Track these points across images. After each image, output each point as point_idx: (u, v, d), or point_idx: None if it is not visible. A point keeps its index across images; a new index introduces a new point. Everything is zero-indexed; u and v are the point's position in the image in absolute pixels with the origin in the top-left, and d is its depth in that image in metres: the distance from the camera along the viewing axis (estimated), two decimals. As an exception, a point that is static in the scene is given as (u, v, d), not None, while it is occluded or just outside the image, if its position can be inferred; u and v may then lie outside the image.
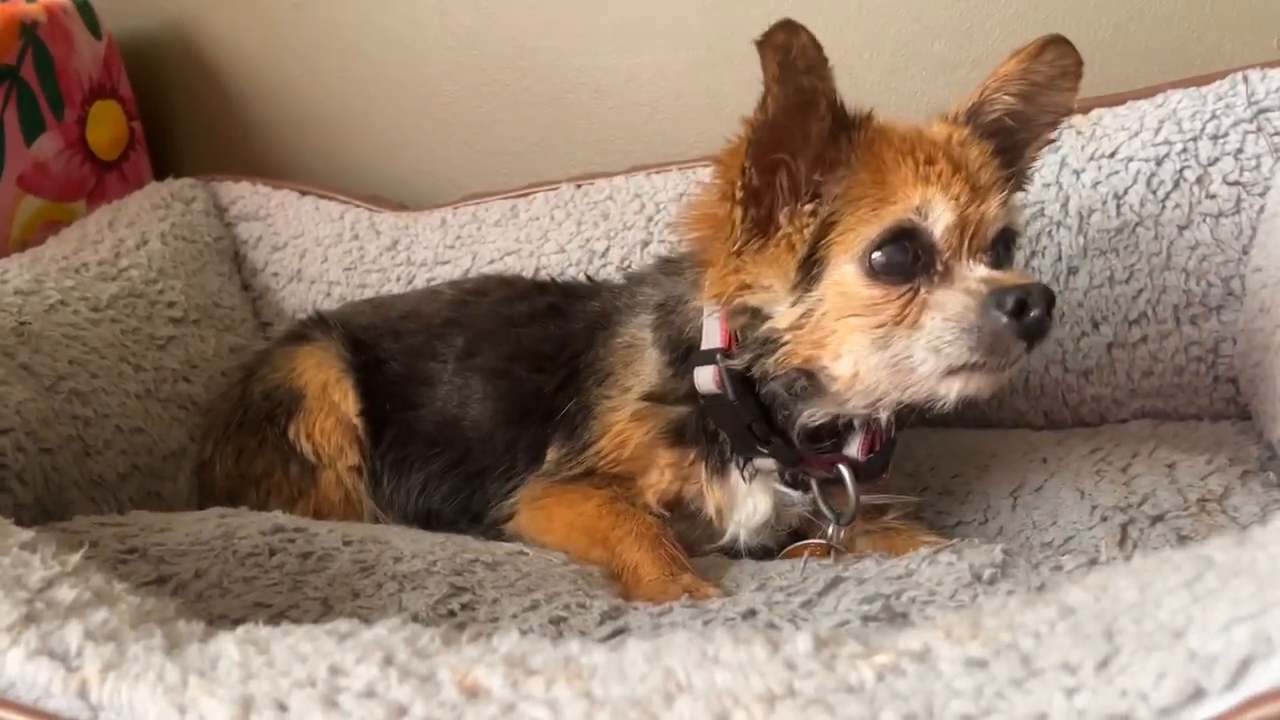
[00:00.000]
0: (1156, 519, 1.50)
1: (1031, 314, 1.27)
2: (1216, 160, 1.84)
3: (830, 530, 1.48)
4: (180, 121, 2.82)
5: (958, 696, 0.71)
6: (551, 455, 1.60)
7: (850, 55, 2.28)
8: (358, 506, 1.71)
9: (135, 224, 2.20)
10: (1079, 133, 1.94)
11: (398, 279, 2.32)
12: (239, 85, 2.74)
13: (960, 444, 1.89)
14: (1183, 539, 1.46)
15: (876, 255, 1.33)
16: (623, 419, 1.53)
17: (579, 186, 2.27)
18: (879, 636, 0.79)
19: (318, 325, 1.88)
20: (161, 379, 1.94)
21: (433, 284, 2.25)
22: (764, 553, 1.54)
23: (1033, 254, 1.92)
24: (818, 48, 1.28)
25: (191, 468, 1.89)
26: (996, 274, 1.33)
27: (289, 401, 1.76)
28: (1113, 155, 1.90)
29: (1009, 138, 1.49)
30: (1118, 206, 1.88)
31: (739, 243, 1.39)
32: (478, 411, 1.72)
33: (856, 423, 1.47)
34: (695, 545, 1.53)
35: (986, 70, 2.15)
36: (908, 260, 1.33)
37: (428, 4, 2.54)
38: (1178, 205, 1.85)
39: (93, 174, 2.49)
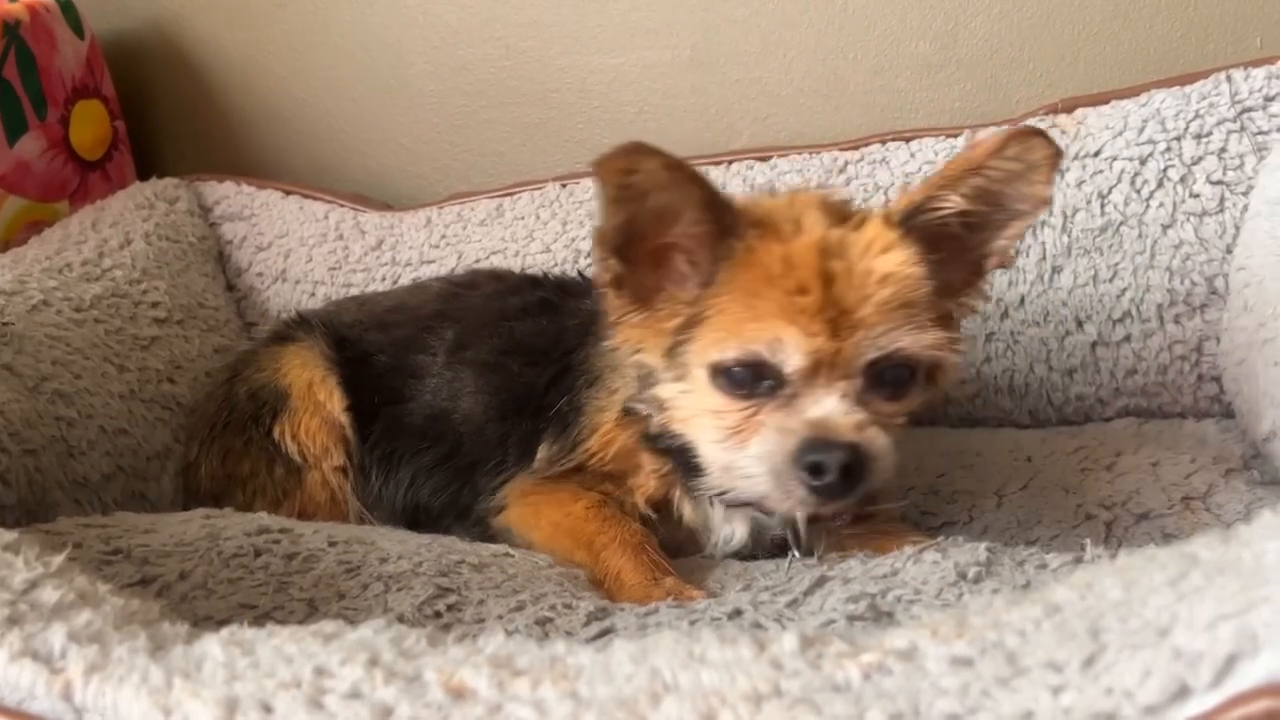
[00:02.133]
0: (1141, 517, 1.51)
1: (825, 479, 1.27)
2: (1200, 159, 1.85)
3: (788, 561, 1.46)
4: (164, 121, 2.80)
5: (943, 695, 0.71)
6: (543, 453, 1.59)
7: (835, 55, 2.29)
8: (343, 507, 1.71)
9: (119, 224, 2.19)
10: (1063, 132, 1.95)
11: (383, 279, 2.31)
12: (223, 85, 2.73)
13: (945, 443, 1.89)
14: (1167, 537, 1.47)
15: (723, 372, 1.34)
16: (609, 421, 1.53)
17: (564, 186, 2.27)
18: (865, 636, 0.79)
19: (301, 324, 1.87)
20: (145, 380, 1.93)
21: (418, 280, 2.26)
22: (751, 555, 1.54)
23: (1016, 253, 1.92)
24: (672, 168, 1.28)
25: (176, 468, 1.88)
26: (824, 418, 1.30)
27: (274, 401, 1.75)
28: (1097, 154, 1.90)
29: (975, 227, 1.41)
30: (1102, 205, 1.89)
31: (618, 311, 1.42)
32: (469, 405, 1.71)
33: None
34: (681, 550, 1.53)
35: (972, 70, 2.17)
36: (751, 380, 1.33)
37: (412, 3, 2.53)
38: (1161, 204, 1.86)
39: (76, 174, 2.48)
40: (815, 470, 1.27)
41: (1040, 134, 1.30)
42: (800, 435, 1.29)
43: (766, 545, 1.53)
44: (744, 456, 1.34)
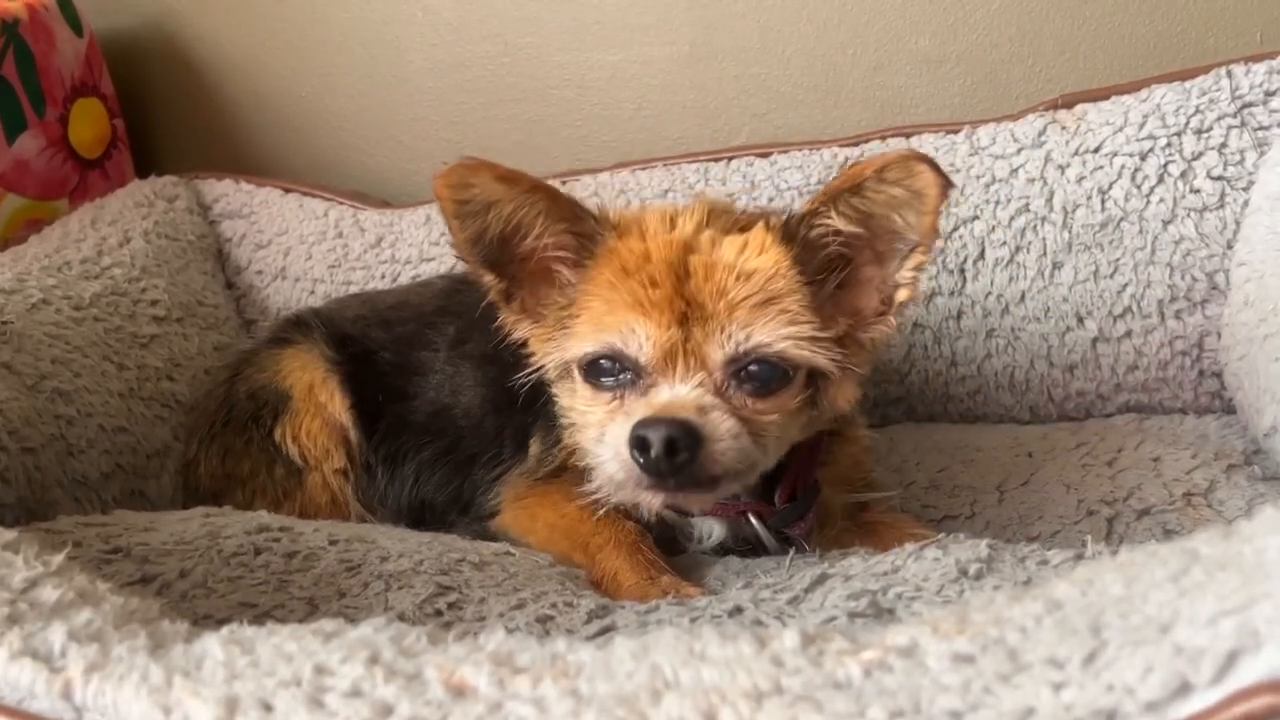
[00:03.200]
0: (1142, 513, 1.51)
1: (650, 454, 1.25)
2: (1200, 155, 1.85)
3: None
4: (163, 119, 2.80)
5: (945, 692, 0.71)
6: (534, 448, 1.60)
7: (835, 51, 2.29)
8: (344, 509, 1.71)
9: (118, 222, 2.19)
10: (1064, 128, 1.94)
11: (382, 276, 2.31)
12: (221, 83, 2.73)
13: (946, 438, 1.89)
14: (1168, 533, 1.46)
15: (589, 367, 1.37)
16: None
17: (564, 183, 2.27)
18: (866, 632, 0.79)
19: (300, 325, 1.86)
20: (145, 378, 1.93)
21: (417, 277, 2.26)
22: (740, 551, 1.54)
23: (1018, 249, 1.93)
24: (506, 179, 1.30)
25: (175, 466, 1.88)
26: (666, 401, 1.30)
27: (275, 402, 1.75)
28: (1097, 150, 1.90)
29: (881, 257, 1.37)
30: (1102, 201, 1.89)
31: (513, 324, 1.46)
32: (469, 399, 1.72)
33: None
34: (673, 544, 1.52)
35: (971, 66, 2.17)
36: (614, 372, 1.35)
37: (411, 1, 2.53)
38: (1162, 200, 1.86)
39: (75, 172, 2.48)
40: (641, 446, 1.26)
41: (927, 161, 1.26)
42: (640, 415, 1.29)
43: (748, 541, 1.52)
44: (605, 446, 1.34)
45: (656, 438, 1.25)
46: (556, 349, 1.41)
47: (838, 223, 1.33)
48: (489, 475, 1.65)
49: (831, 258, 1.37)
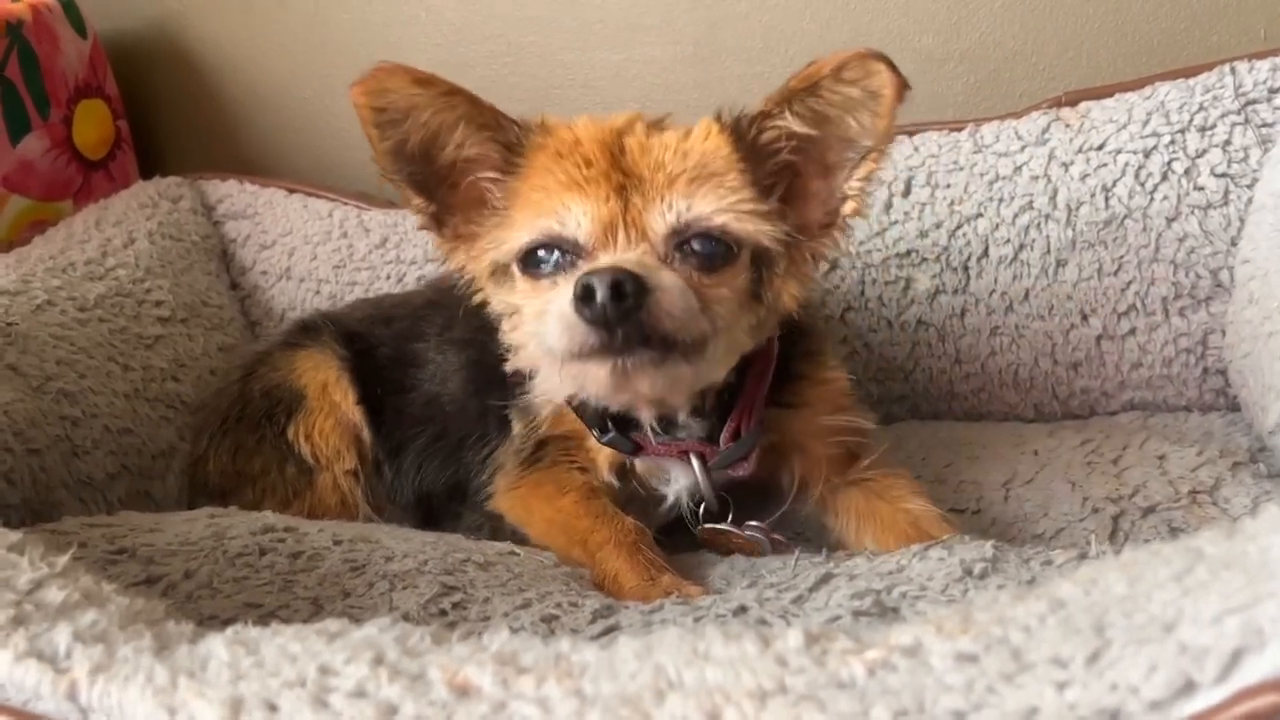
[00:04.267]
0: (1148, 511, 1.51)
1: (596, 301, 1.20)
2: (1204, 152, 1.84)
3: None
4: (166, 120, 2.81)
5: (948, 691, 0.71)
6: (516, 426, 1.59)
7: (837, 49, 2.27)
8: (353, 511, 1.71)
9: (122, 223, 2.20)
10: (1067, 125, 1.94)
11: (388, 276, 2.31)
12: (225, 83, 2.73)
13: (951, 436, 1.89)
14: (1174, 531, 1.46)
15: (525, 258, 1.35)
16: None
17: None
18: (870, 632, 0.79)
19: (312, 329, 1.87)
20: (150, 378, 1.94)
21: (422, 277, 2.26)
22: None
23: (1021, 246, 1.92)
24: (423, 82, 1.29)
25: (181, 467, 1.88)
26: (608, 261, 1.26)
27: (289, 401, 1.75)
28: (1100, 148, 1.90)
29: (831, 168, 1.37)
30: (1106, 199, 1.88)
31: (445, 251, 1.45)
32: (455, 384, 1.73)
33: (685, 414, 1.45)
34: (653, 511, 1.53)
35: (974, 64, 2.17)
36: (551, 259, 1.33)
37: (413, 1, 2.53)
38: (1166, 197, 1.85)
39: (79, 173, 2.48)
40: (586, 295, 1.21)
41: (883, 59, 1.25)
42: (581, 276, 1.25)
43: (721, 487, 1.51)
44: (541, 325, 1.32)
45: (601, 283, 1.20)
46: (493, 256, 1.39)
47: (792, 124, 1.32)
48: (478, 456, 1.65)
49: (778, 168, 1.35)
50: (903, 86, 1.26)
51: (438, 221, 1.42)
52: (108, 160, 2.56)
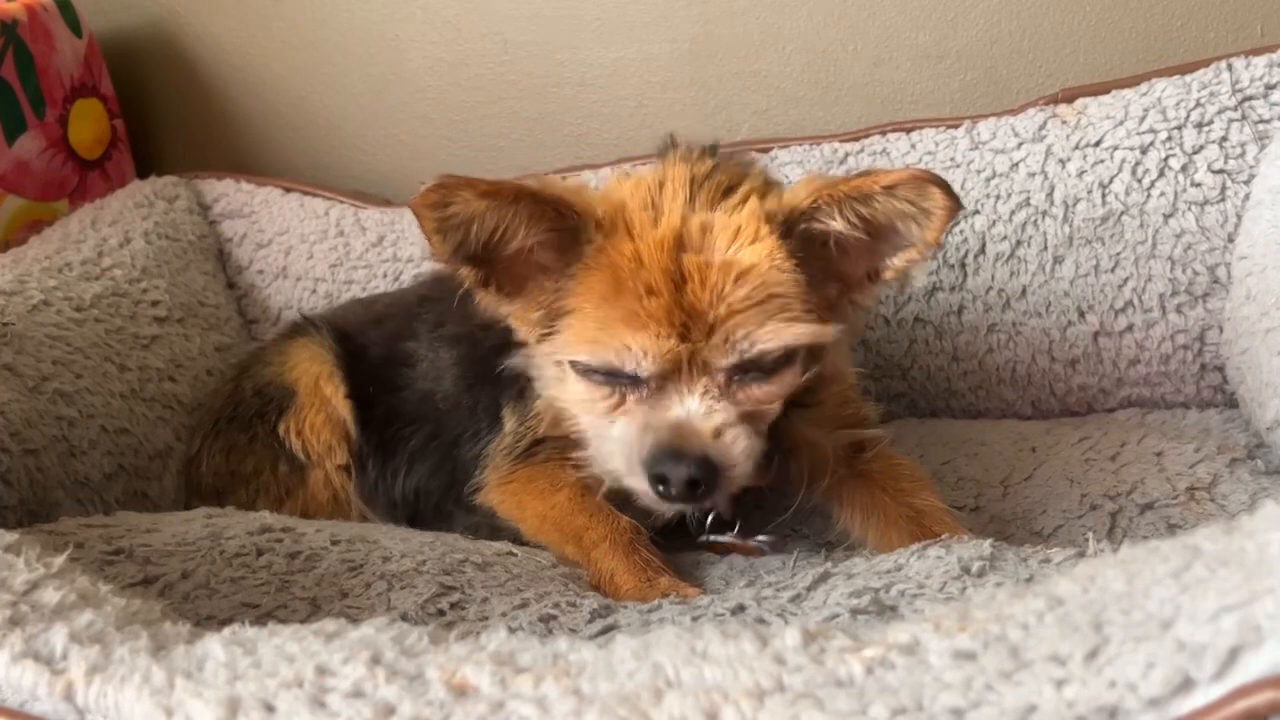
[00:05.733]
0: (1146, 507, 1.51)
1: (671, 491, 1.28)
2: (1201, 148, 1.84)
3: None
4: (162, 119, 2.80)
5: (947, 689, 0.71)
6: (509, 422, 1.59)
7: (835, 47, 2.28)
8: (345, 506, 1.71)
9: (118, 223, 2.19)
10: (1064, 122, 1.94)
11: (384, 275, 2.31)
12: (221, 82, 2.72)
13: (949, 433, 1.89)
14: (1172, 527, 1.46)
15: (584, 372, 1.36)
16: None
17: (565, 179, 2.26)
18: (868, 630, 0.79)
19: (308, 324, 1.88)
20: (146, 378, 1.93)
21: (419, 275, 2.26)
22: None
23: (1018, 243, 1.92)
24: (488, 194, 1.29)
25: (178, 467, 1.88)
26: (679, 422, 1.29)
27: (280, 397, 1.76)
28: (1098, 144, 1.90)
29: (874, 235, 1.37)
30: (1103, 195, 1.88)
31: (490, 306, 1.44)
32: (447, 380, 1.72)
33: None
34: (654, 514, 1.52)
35: (971, 61, 2.17)
36: (614, 378, 1.34)
37: (410, -1, 2.53)
38: (1163, 194, 1.85)
39: (75, 173, 2.48)
40: (661, 481, 1.28)
41: (942, 185, 1.26)
42: (653, 436, 1.30)
43: (729, 500, 1.51)
44: (608, 443, 1.36)
45: (677, 478, 1.27)
46: (545, 338, 1.39)
47: (838, 225, 1.32)
48: (471, 453, 1.65)
49: (828, 243, 1.36)
50: (956, 209, 1.27)
51: (484, 282, 1.41)
52: (104, 160, 2.56)
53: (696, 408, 1.30)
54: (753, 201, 1.34)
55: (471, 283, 1.40)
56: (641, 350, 1.29)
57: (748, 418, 1.33)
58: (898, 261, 1.36)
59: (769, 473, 1.47)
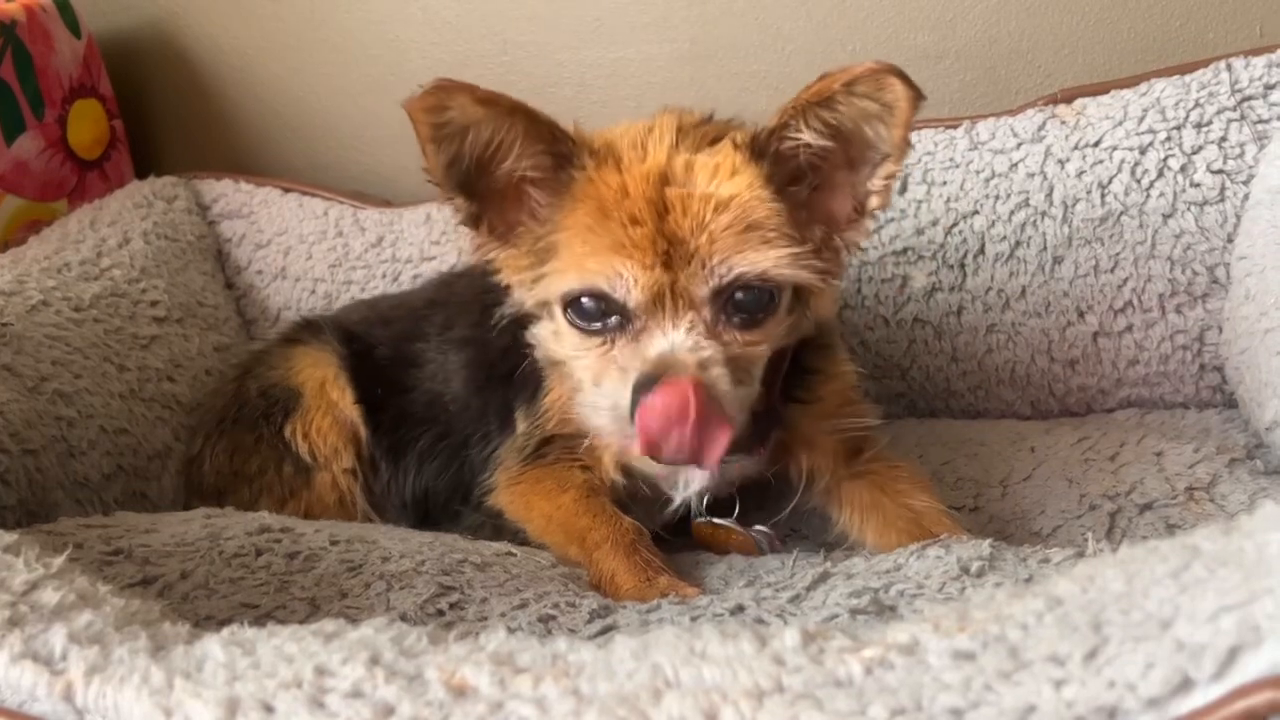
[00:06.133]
0: (1145, 508, 1.51)
1: None
2: (1200, 148, 1.84)
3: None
4: (161, 120, 2.80)
5: (946, 689, 0.71)
6: (520, 424, 1.59)
7: (834, 47, 2.28)
8: (351, 510, 1.71)
9: (117, 223, 2.19)
10: (1063, 122, 1.94)
11: (383, 275, 2.31)
12: (220, 83, 2.72)
13: (948, 433, 1.89)
14: (1171, 528, 1.46)
15: (572, 304, 1.35)
16: (558, 382, 1.53)
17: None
18: (867, 630, 0.79)
19: (311, 326, 1.88)
20: (145, 379, 1.93)
21: (419, 276, 2.26)
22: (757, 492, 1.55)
23: (1018, 244, 1.92)
24: (485, 100, 1.29)
25: (177, 467, 1.88)
26: (663, 355, 1.28)
27: (286, 400, 1.75)
28: (1097, 144, 1.90)
29: (854, 163, 1.37)
30: (1102, 195, 1.88)
31: (481, 247, 1.43)
32: (456, 383, 1.72)
33: None
34: (657, 510, 1.52)
35: (970, 62, 2.16)
36: (599, 314, 1.34)
37: (410, 0, 2.53)
38: (1162, 194, 1.85)
39: (74, 173, 2.48)
40: None
41: (897, 73, 1.25)
42: (635, 374, 1.28)
43: (731, 485, 1.52)
44: (595, 396, 1.34)
45: None
46: (535, 283, 1.39)
47: (807, 136, 1.32)
48: (481, 454, 1.65)
49: (803, 166, 1.36)
50: (917, 98, 1.26)
51: (475, 218, 1.41)
52: (103, 160, 2.56)
53: (681, 340, 1.29)
54: (728, 144, 1.36)
55: (464, 218, 1.40)
56: (631, 277, 1.29)
57: (734, 361, 1.31)
58: (877, 182, 1.35)
59: (764, 452, 1.47)
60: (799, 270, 1.32)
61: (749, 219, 1.30)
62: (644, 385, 1.26)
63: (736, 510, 1.52)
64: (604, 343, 1.34)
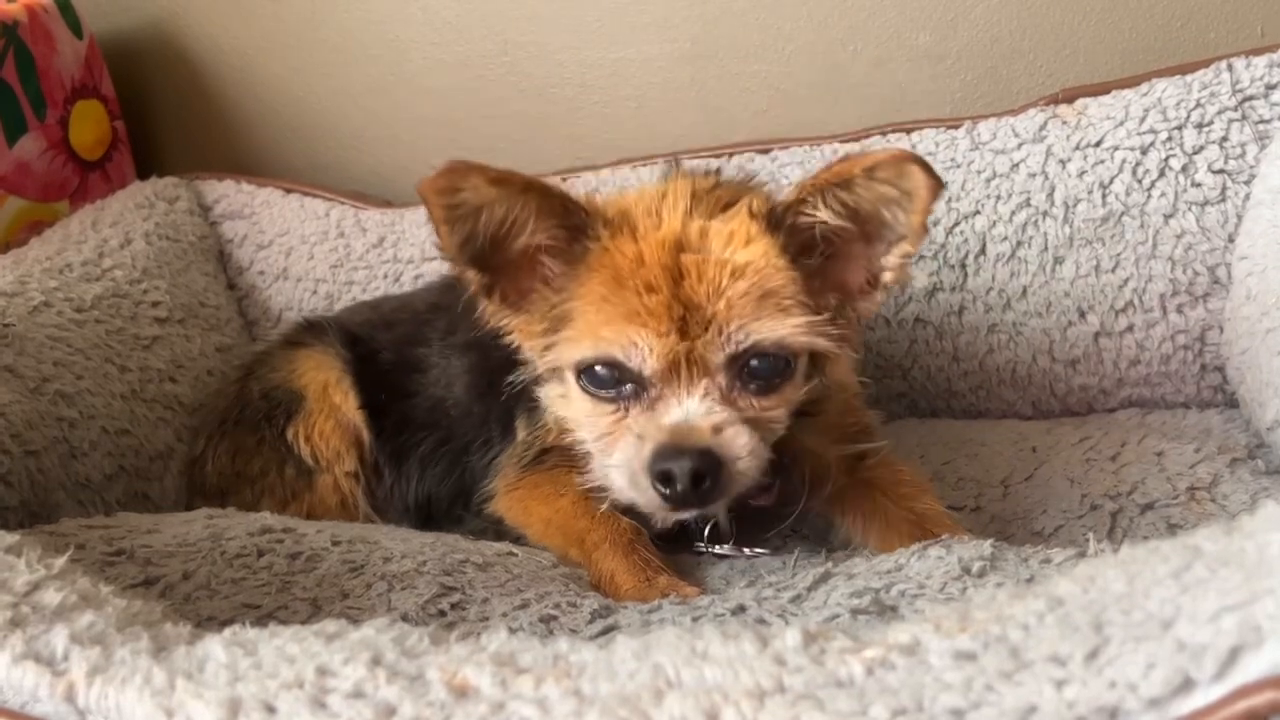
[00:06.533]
0: (1146, 507, 1.51)
1: (677, 488, 1.26)
2: (1202, 148, 1.84)
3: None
4: (163, 120, 2.80)
5: (947, 689, 0.71)
6: (521, 432, 1.59)
7: (835, 47, 2.28)
8: (353, 512, 1.71)
9: (119, 224, 2.19)
10: (1064, 123, 1.94)
11: (384, 275, 2.31)
12: (221, 84, 2.73)
13: (949, 433, 1.89)
14: (1172, 527, 1.46)
15: (585, 373, 1.35)
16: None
17: (564, 180, 2.26)
18: (868, 630, 0.79)
19: (314, 328, 1.88)
20: (147, 379, 1.94)
21: (420, 276, 2.26)
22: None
23: (1019, 244, 1.92)
24: (498, 181, 1.28)
25: (179, 468, 1.88)
26: (679, 423, 1.29)
27: (288, 402, 1.76)
28: (1098, 144, 1.90)
29: (869, 238, 1.36)
30: (1103, 196, 1.88)
31: (494, 316, 1.43)
32: (459, 388, 1.73)
33: None
34: (663, 522, 1.52)
35: (971, 62, 2.16)
36: (613, 383, 1.34)
37: (410, 0, 2.53)
38: (1163, 194, 1.85)
39: (75, 174, 2.48)
40: (665, 479, 1.27)
41: (918, 162, 1.24)
42: (653, 442, 1.29)
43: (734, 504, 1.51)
44: (609, 464, 1.35)
45: (682, 472, 1.25)
46: (547, 349, 1.39)
47: (823, 214, 1.32)
48: (483, 461, 1.65)
49: (817, 238, 1.36)
50: (937, 187, 1.25)
51: (489, 289, 1.41)
52: (104, 161, 2.56)
53: (696, 408, 1.30)
54: (744, 212, 1.36)
55: (476, 289, 1.40)
56: (646, 346, 1.29)
57: (750, 424, 1.32)
58: (892, 259, 1.35)
59: (771, 493, 1.47)
60: (815, 338, 1.33)
61: (765, 286, 1.31)
62: (661, 453, 1.27)
63: (734, 537, 1.52)
64: (617, 410, 1.35)
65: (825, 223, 1.33)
